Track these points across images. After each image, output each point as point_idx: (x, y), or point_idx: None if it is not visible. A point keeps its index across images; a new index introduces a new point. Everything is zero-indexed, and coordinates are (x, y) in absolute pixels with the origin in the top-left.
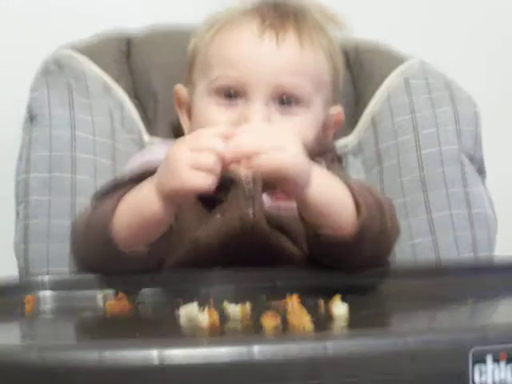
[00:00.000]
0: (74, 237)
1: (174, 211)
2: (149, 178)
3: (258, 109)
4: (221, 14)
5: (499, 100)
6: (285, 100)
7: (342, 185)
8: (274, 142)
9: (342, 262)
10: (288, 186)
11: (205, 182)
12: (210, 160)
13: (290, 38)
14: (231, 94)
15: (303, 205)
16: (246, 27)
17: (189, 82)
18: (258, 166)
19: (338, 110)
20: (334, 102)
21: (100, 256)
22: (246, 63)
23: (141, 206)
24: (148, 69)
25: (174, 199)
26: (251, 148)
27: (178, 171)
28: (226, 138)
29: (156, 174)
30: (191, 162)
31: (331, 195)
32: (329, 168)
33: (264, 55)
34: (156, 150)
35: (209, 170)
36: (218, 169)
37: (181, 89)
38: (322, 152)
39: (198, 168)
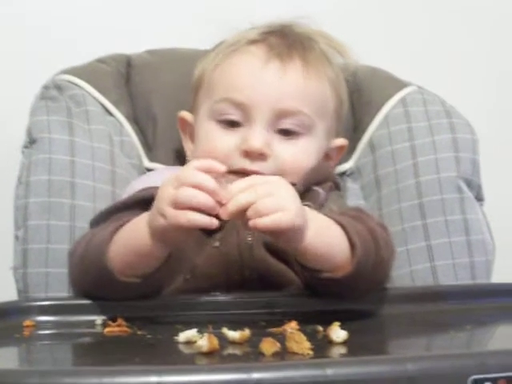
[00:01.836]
0: (71, 265)
1: (169, 248)
2: (144, 214)
3: (258, 133)
4: (228, 41)
5: (498, 127)
6: (287, 126)
7: (335, 226)
8: (274, 200)
9: (340, 295)
10: (284, 241)
11: (195, 221)
12: (199, 199)
13: (296, 66)
14: (233, 120)
15: (300, 252)
16: (253, 54)
17: (193, 108)
18: (256, 225)
19: (341, 142)
20: (337, 133)
21: (97, 284)
22: (250, 87)
23: (135, 241)
24: (147, 92)
25: (165, 239)
26: (249, 203)
27: (162, 210)
28: (209, 171)
29: (150, 211)
30: (172, 200)
31: (326, 241)
32: (327, 197)
33: (268, 81)
34: (154, 177)
35: (198, 208)
36: (203, 204)
37: (186, 114)
38: (321, 181)
39: (178, 206)
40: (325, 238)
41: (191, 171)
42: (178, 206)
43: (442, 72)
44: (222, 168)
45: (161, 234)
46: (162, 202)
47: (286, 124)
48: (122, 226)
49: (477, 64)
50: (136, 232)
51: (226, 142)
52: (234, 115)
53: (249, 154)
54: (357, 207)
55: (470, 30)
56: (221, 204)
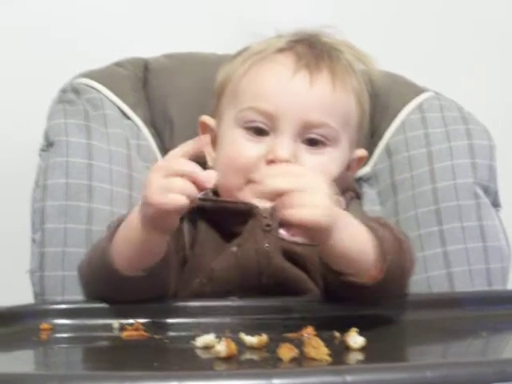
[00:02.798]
0: (81, 276)
1: (163, 238)
2: (136, 207)
3: (285, 143)
4: (254, 48)
5: None
6: (313, 138)
7: (365, 229)
8: (306, 196)
9: (359, 301)
10: (315, 237)
11: (176, 201)
12: (178, 183)
13: (323, 78)
14: (260, 129)
15: (327, 253)
16: (281, 64)
17: (216, 113)
18: (292, 216)
19: (363, 153)
20: (358, 143)
21: (105, 285)
22: (278, 97)
23: (130, 235)
24: (164, 96)
25: (155, 226)
26: (283, 190)
27: (150, 198)
28: (193, 155)
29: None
30: (161, 187)
31: (355, 243)
32: (348, 207)
33: (296, 91)
34: None
35: (179, 192)
36: (190, 189)
37: (207, 119)
38: (342, 190)
39: (168, 191)
40: (354, 240)
41: (178, 158)
42: (169, 191)
43: (459, 78)
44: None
45: (151, 222)
46: (150, 190)
47: (312, 135)
48: (119, 224)
49: (494, 70)
50: (129, 226)
51: (251, 150)
52: (261, 124)
53: (276, 164)
54: (378, 217)
55: (487, 36)
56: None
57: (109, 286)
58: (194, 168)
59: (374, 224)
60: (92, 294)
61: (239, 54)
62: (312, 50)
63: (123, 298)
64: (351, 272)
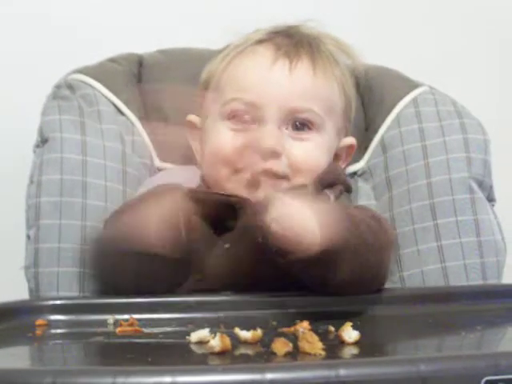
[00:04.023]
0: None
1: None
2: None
3: (270, 131)
4: (235, 43)
5: (509, 127)
6: (297, 124)
7: (306, 210)
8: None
9: (326, 283)
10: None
11: None
12: None
13: (304, 65)
14: (244, 119)
15: (264, 237)
16: (261, 54)
17: (201, 110)
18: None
19: (350, 141)
20: (346, 133)
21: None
22: (260, 87)
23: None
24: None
25: None
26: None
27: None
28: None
29: None
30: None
31: (288, 223)
32: (335, 201)
33: (277, 80)
34: (165, 177)
35: None
36: None
37: (193, 118)
38: (331, 183)
39: None
40: (286, 220)
41: None
42: None
43: (453, 72)
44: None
45: None
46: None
47: (297, 120)
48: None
49: (489, 64)
50: None
51: (237, 139)
52: (245, 114)
53: (261, 153)
54: (361, 205)
55: (481, 30)
56: None
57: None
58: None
59: (320, 204)
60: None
61: (221, 51)
62: (291, 40)
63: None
64: (294, 250)
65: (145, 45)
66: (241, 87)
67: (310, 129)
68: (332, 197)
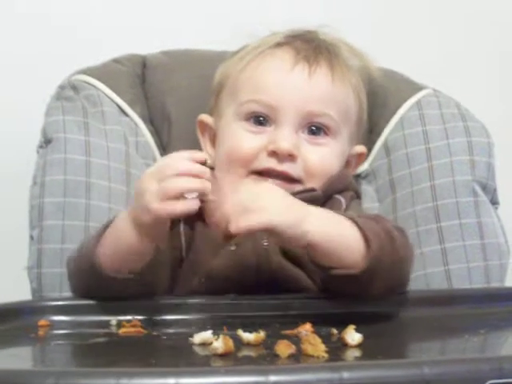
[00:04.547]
0: (69, 270)
1: (154, 243)
2: (127, 210)
3: (286, 134)
4: (252, 45)
5: None
6: (313, 129)
7: (347, 222)
8: (258, 202)
9: (357, 295)
10: (284, 239)
11: (175, 208)
12: (176, 185)
13: (322, 70)
14: (260, 121)
15: (308, 251)
16: (280, 57)
17: (214, 110)
18: (244, 225)
19: (361, 150)
20: (358, 139)
21: (91, 285)
22: (278, 89)
23: (119, 237)
24: (162, 92)
25: (147, 233)
26: (237, 208)
27: (147, 205)
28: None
29: (130, 206)
30: (159, 194)
31: (335, 237)
32: (348, 206)
33: (296, 83)
34: None
35: (177, 196)
36: (196, 188)
37: (206, 117)
38: (342, 189)
39: (166, 198)
40: (334, 233)
41: (174, 161)
42: (166, 198)
43: (457, 75)
44: (203, 156)
45: (147, 230)
46: (145, 198)
47: (314, 124)
48: (108, 225)
49: (493, 67)
50: (119, 228)
51: (253, 141)
52: (262, 115)
53: (277, 155)
54: (376, 214)
55: (486, 33)
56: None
57: (94, 285)
58: (190, 165)
59: (358, 217)
60: (78, 290)
61: (236, 52)
62: (310, 45)
63: (109, 296)
64: (338, 265)
65: (148, 46)
66: (259, 89)
67: (326, 134)
68: (344, 202)
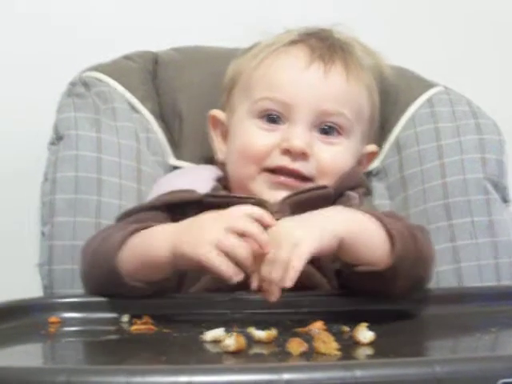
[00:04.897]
0: (83, 259)
1: (181, 268)
2: (166, 226)
3: (300, 132)
4: (266, 43)
5: None
6: (326, 128)
7: (372, 220)
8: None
9: (380, 293)
10: (322, 253)
11: (230, 272)
12: (243, 254)
13: (337, 69)
14: (274, 118)
15: (337, 250)
16: (295, 55)
17: (226, 106)
18: (294, 273)
19: (373, 149)
20: (369, 138)
21: (104, 283)
22: (293, 87)
23: (151, 249)
24: (173, 90)
25: (184, 262)
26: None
27: (203, 247)
28: (259, 220)
29: (179, 225)
30: (223, 247)
31: (362, 235)
32: (361, 202)
33: (311, 81)
34: (181, 177)
35: (237, 262)
36: (248, 263)
37: (218, 113)
38: (354, 186)
39: (227, 255)
40: (358, 230)
41: (243, 218)
42: (229, 256)
43: (468, 72)
44: (273, 222)
45: (184, 259)
46: (206, 238)
47: (328, 123)
48: (138, 230)
49: (504, 65)
50: (155, 240)
51: (266, 138)
52: (276, 113)
53: (290, 153)
54: (390, 211)
55: (496, 31)
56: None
57: (107, 285)
58: (259, 230)
59: (381, 215)
60: (88, 282)
61: (249, 49)
62: (325, 43)
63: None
64: (364, 262)
65: (160, 42)
66: (273, 86)
67: (339, 133)
68: (356, 198)
